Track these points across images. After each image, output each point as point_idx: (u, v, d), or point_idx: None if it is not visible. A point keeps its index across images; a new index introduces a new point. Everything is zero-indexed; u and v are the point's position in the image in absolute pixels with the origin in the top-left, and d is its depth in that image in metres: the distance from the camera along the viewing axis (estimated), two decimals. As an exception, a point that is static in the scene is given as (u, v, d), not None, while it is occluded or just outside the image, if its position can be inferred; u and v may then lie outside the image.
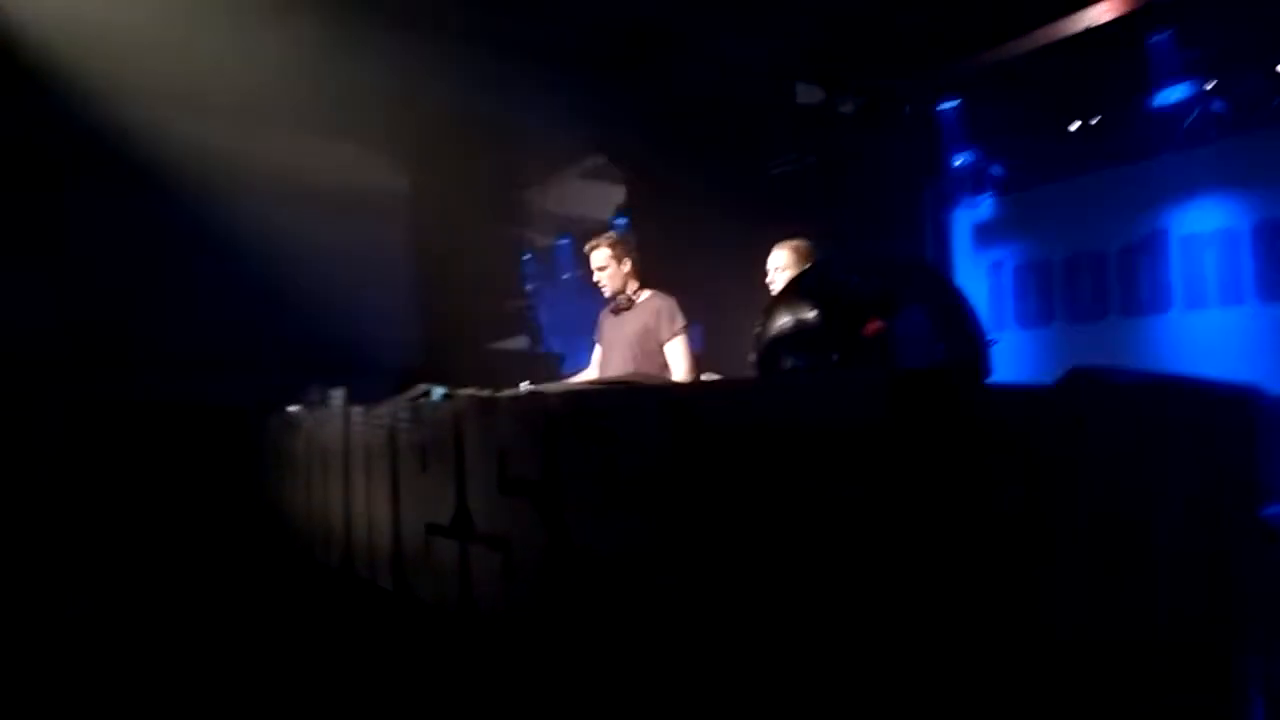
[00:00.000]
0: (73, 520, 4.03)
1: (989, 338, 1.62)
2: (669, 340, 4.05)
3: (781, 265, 3.70)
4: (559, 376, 6.41)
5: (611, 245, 4.15)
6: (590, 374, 4.28)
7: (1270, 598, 2.05)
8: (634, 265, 4.18)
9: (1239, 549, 1.86)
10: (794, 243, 3.76)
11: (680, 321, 4.08)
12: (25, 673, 3.21)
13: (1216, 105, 6.41)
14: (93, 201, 6.29)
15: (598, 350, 4.32)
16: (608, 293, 4.16)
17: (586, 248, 4.21)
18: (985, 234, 8.15)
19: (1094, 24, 6.46)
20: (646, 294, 4.16)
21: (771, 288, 3.67)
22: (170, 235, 6.60)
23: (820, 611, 1.48)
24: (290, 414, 3.77)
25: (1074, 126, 7.15)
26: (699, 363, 4.15)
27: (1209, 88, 6.37)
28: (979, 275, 8.04)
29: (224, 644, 3.36)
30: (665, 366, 4.07)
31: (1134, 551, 1.67)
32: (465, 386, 3.14)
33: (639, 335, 4.07)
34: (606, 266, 4.11)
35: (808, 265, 3.38)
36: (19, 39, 5.33)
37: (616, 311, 4.19)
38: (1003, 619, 1.43)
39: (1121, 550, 1.64)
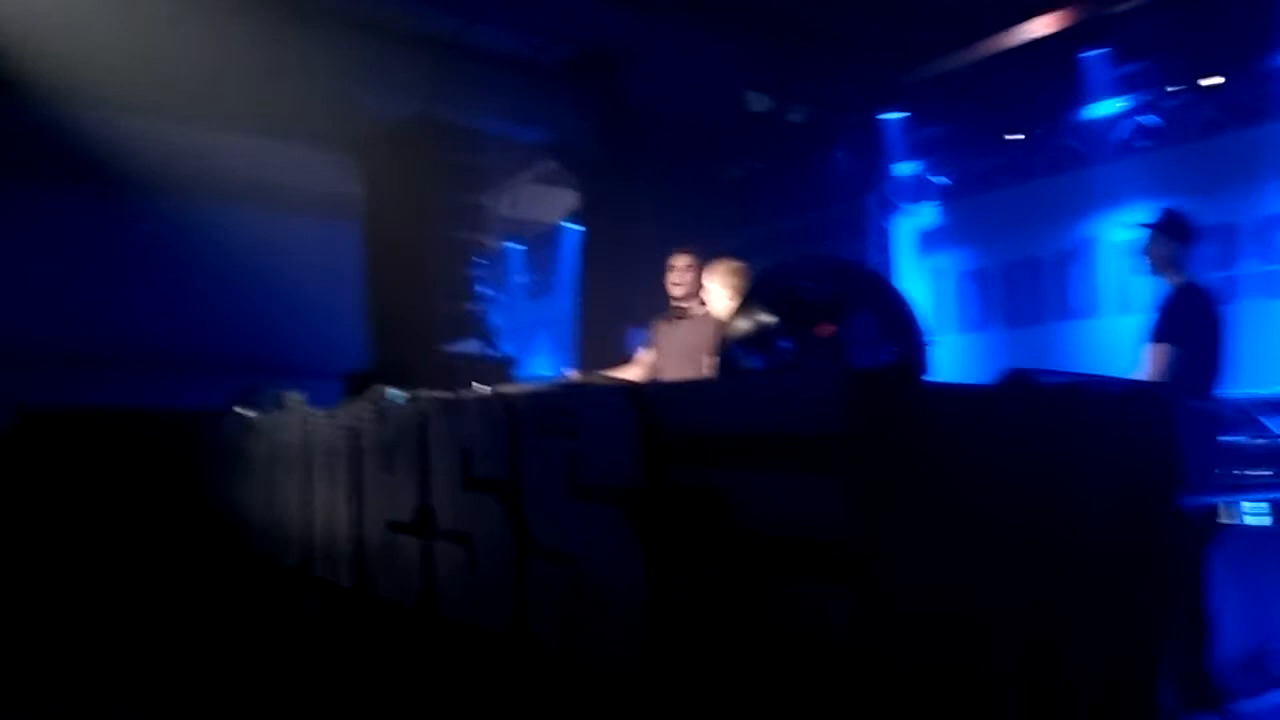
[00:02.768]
0: (29, 527, 3.96)
1: (929, 340, 1.73)
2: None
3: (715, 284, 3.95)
4: (509, 379, 6.45)
5: (701, 259, 4.33)
6: (637, 374, 4.43)
7: (1187, 584, 2.20)
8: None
9: (1160, 538, 2.00)
10: (732, 264, 3.98)
11: None
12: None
13: (1147, 119, 6.70)
14: (42, 203, 6.17)
15: (649, 354, 4.43)
16: (679, 292, 4.29)
17: (680, 249, 4.39)
18: (927, 241, 8.38)
19: (1031, 39, 6.71)
20: (705, 309, 4.29)
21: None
22: (121, 237, 6.50)
23: (773, 605, 1.57)
24: (245, 417, 3.77)
25: (1013, 138, 7.40)
26: None
27: (1140, 101, 6.66)
28: (921, 281, 8.27)
29: (179, 647, 3.35)
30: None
31: (1063, 541, 1.79)
32: (417, 389, 3.17)
33: (698, 346, 4.19)
34: (692, 269, 4.27)
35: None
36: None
37: (672, 321, 4.33)
38: (944, 607, 1.54)
39: (1051, 540, 1.77)
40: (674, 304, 4.34)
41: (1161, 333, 3.00)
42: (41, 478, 4.07)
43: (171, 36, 5.53)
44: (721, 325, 4.16)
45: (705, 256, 4.34)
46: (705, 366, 4.12)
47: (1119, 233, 6.84)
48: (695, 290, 4.28)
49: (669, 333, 4.35)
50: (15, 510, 4.15)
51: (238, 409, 3.99)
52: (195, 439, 4.05)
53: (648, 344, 4.44)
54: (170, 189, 6.13)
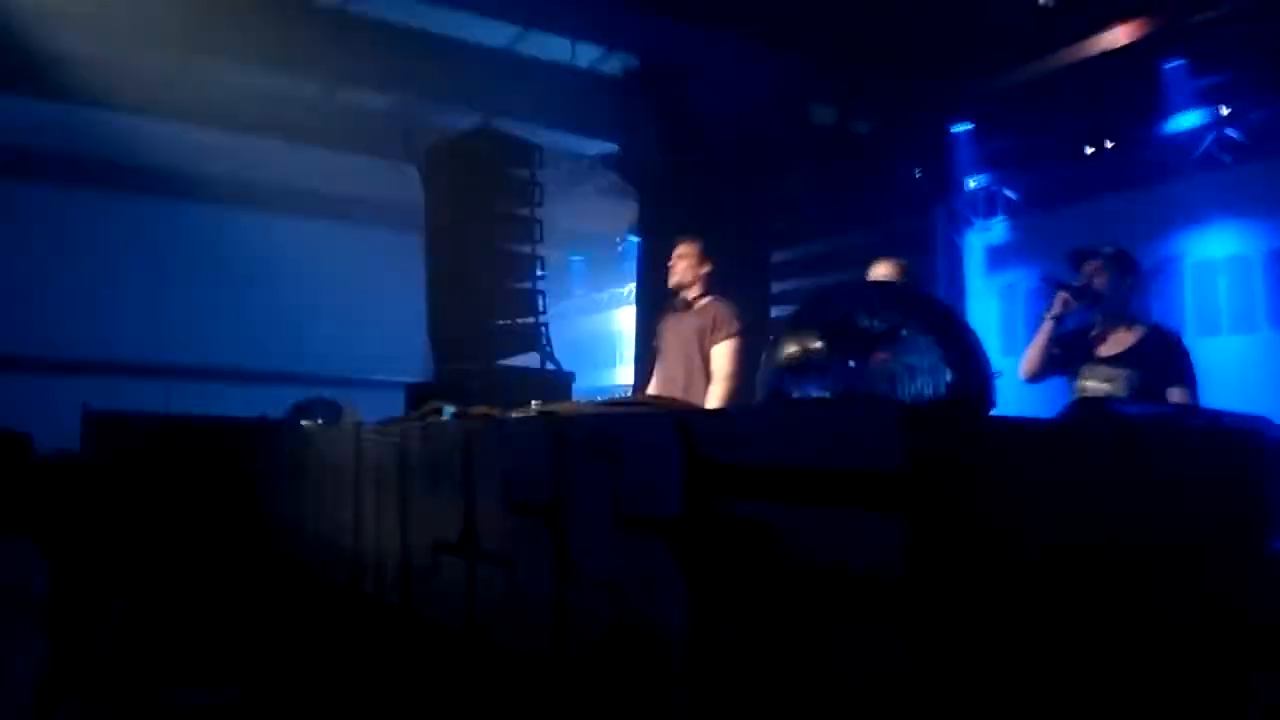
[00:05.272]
0: (85, 534, 4.05)
1: (993, 369, 1.63)
2: (717, 343, 4.09)
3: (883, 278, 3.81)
4: (570, 394, 6.43)
5: (700, 243, 4.27)
6: (651, 379, 4.39)
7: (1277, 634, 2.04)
8: (710, 273, 4.25)
9: (1248, 585, 1.85)
10: (898, 261, 3.87)
11: (734, 326, 4.11)
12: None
13: (1230, 132, 6.41)
14: (101, 209, 6.35)
15: (656, 347, 4.40)
16: (673, 281, 4.27)
17: (682, 237, 4.30)
18: (998, 257, 8.15)
19: (1109, 49, 6.47)
20: (708, 299, 4.24)
21: None
22: (182, 247, 6.66)
23: (828, 656, 1.48)
24: (302, 429, 3.80)
25: (1088, 151, 7.15)
26: (742, 372, 4.12)
27: (1223, 114, 6.37)
28: (991, 298, 8.03)
29: (230, 658, 3.38)
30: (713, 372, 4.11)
31: (1140, 590, 1.66)
32: (475, 403, 3.16)
33: (696, 336, 4.14)
34: (686, 257, 4.23)
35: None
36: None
37: (676, 312, 4.30)
38: (1009, 657, 1.43)
39: (1128, 589, 1.64)
40: (674, 293, 4.31)
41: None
42: (105, 483, 4.16)
43: (230, 42, 5.63)
44: (720, 315, 4.10)
45: (706, 245, 4.28)
46: (693, 358, 4.08)
47: (1199, 250, 6.56)
48: (689, 279, 4.22)
49: (673, 324, 4.34)
50: (84, 512, 4.26)
51: (295, 420, 4.03)
52: (252, 449, 4.09)
53: (656, 337, 4.41)
54: (236, 199, 6.27)
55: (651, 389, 4.32)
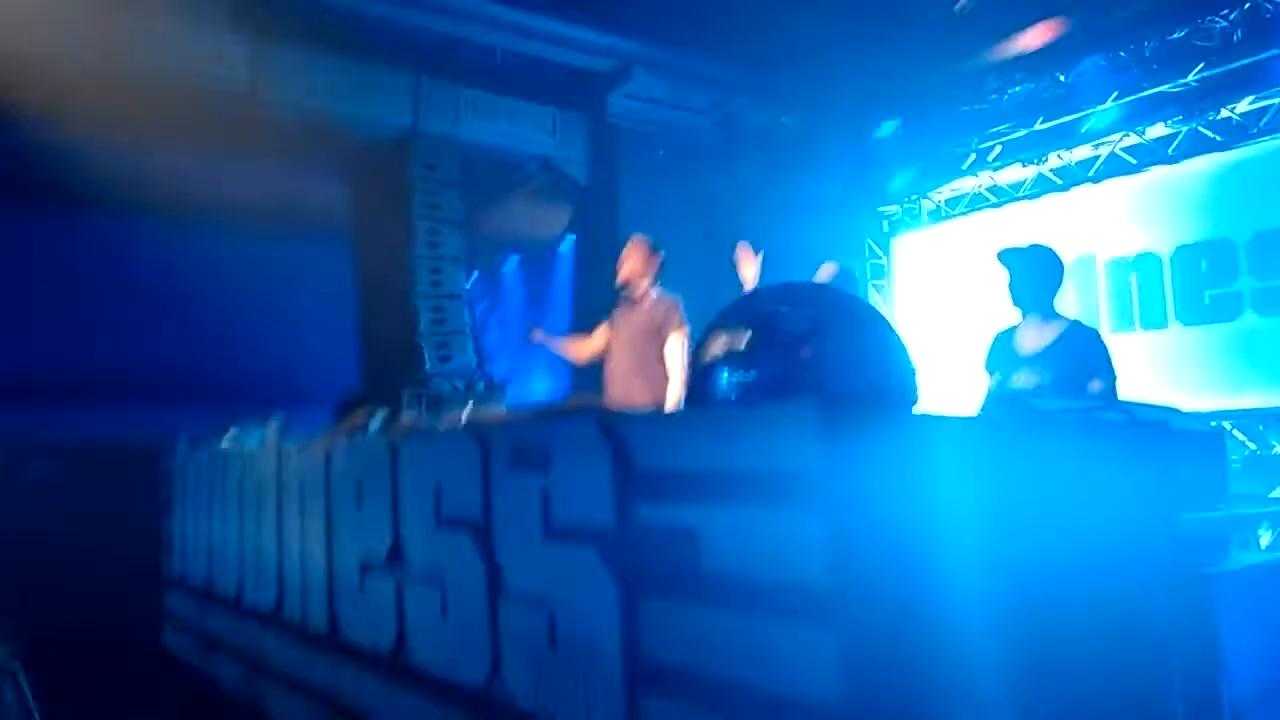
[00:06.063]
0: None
1: (914, 368, 1.63)
2: (670, 337, 4.22)
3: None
4: (501, 403, 6.35)
5: (648, 244, 4.39)
6: (590, 348, 4.55)
7: (1203, 614, 2.08)
8: (655, 271, 4.40)
9: (1171, 569, 1.88)
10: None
11: (681, 321, 4.24)
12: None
13: (1139, 133, 6.63)
14: (15, 227, 6.08)
15: (604, 335, 4.46)
16: (621, 277, 4.37)
17: (632, 235, 4.48)
18: (924, 257, 8.30)
19: (1026, 50, 6.65)
20: (654, 295, 4.31)
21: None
22: (99, 260, 6.39)
23: (757, 661, 1.46)
24: (221, 448, 3.66)
25: (1010, 150, 7.34)
26: None
27: (1131, 116, 6.58)
28: (918, 298, 8.17)
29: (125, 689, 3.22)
30: (665, 361, 4.24)
31: (1062, 578, 1.68)
32: (400, 414, 3.08)
33: (643, 330, 4.28)
34: (635, 253, 4.33)
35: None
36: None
37: (625, 307, 4.39)
38: (932, 654, 1.42)
39: (1049, 578, 1.65)
40: (622, 288, 4.43)
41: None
42: (15, 514, 3.97)
43: (153, 55, 5.46)
44: (667, 311, 4.23)
45: (657, 248, 4.41)
46: (639, 352, 4.21)
47: (1114, 249, 6.77)
48: (637, 275, 4.36)
49: (622, 319, 4.45)
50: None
51: (218, 439, 3.89)
52: (166, 470, 3.94)
53: (610, 324, 4.51)
54: (155, 211, 6.03)
55: (605, 383, 4.39)
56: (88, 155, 5.35)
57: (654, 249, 4.42)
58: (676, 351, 4.20)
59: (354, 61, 6.58)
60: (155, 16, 5.46)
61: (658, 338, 4.23)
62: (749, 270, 4.00)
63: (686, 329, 4.21)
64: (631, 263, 4.36)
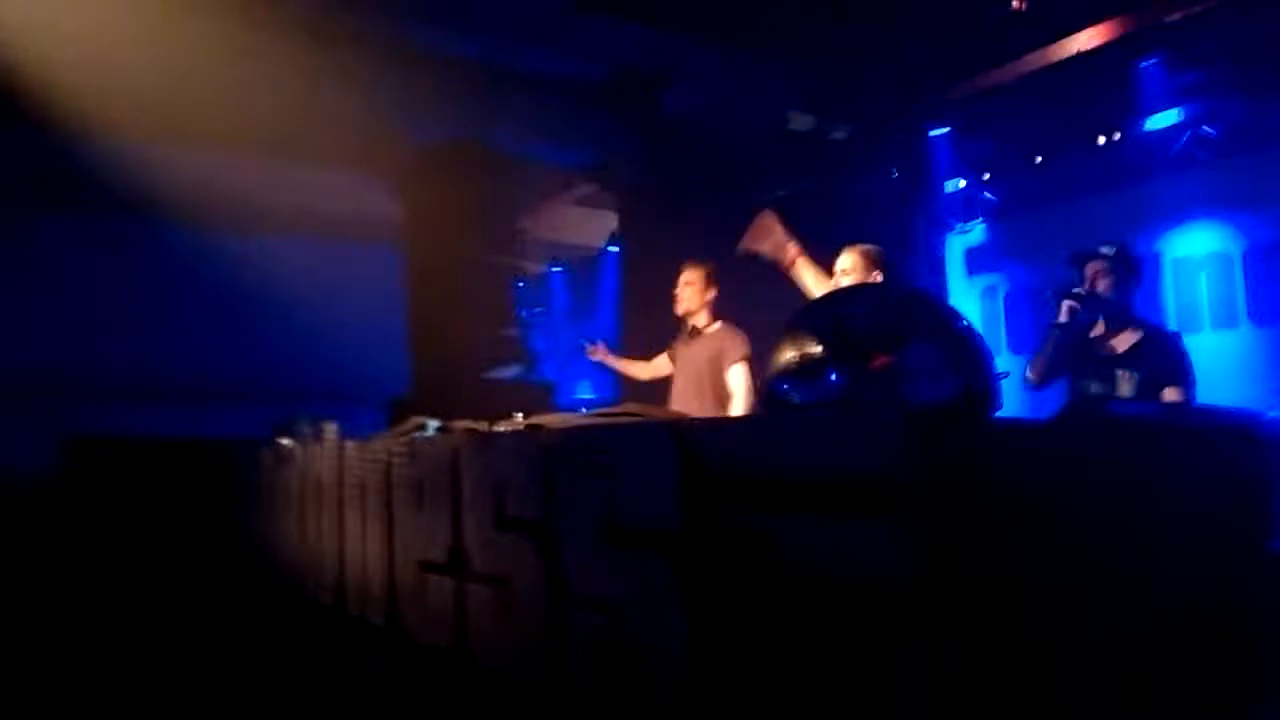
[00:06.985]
0: (62, 559, 3.95)
1: (999, 371, 1.59)
2: (729, 367, 4.15)
3: (848, 269, 3.50)
4: (551, 405, 6.37)
5: (706, 269, 4.23)
6: (645, 370, 4.58)
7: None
8: (714, 299, 4.31)
9: (1249, 584, 1.82)
10: (862, 247, 3.56)
11: (744, 350, 4.17)
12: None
13: (1206, 130, 6.45)
14: (79, 232, 6.25)
15: (665, 362, 4.47)
16: (679, 309, 4.32)
17: (688, 264, 4.33)
18: (977, 259, 8.17)
19: (1083, 50, 6.51)
20: (717, 325, 4.27)
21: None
22: (158, 266, 6.55)
23: (835, 670, 1.43)
24: (281, 448, 3.72)
25: (1066, 151, 7.18)
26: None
27: (1198, 113, 6.42)
28: (971, 301, 8.04)
29: (212, 683, 3.29)
30: (729, 394, 4.17)
31: (1141, 591, 1.63)
32: (458, 417, 3.10)
33: (709, 363, 4.21)
34: (692, 284, 4.28)
35: (876, 271, 3.29)
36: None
37: (686, 338, 4.33)
38: (1014, 664, 1.39)
39: (1128, 591, 1.60)
40: (684, 322, 4.37)
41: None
42: (83, 505, 4.07)
43: (206, 64, 5.58)
44: (729, 341, 4.16)
45: (714, 271, 4.33)
46: (706, 385, 4.14)
47: (1179, 248, 6.60)
48: (695, 306, 4.28)
49: (683, 352, 4.40)
50: (59, 538, 4.16)
51: (275, 438, 3.95)
52: (230, 469, 4.01)
53: (670, 353, 4.47)
54: (208, 217, 6.17)
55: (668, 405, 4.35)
56: (164, 168, 5.49)
57: (710, 278, 4.34)
58: (740, 379, 4.15)
59: (405, 67, 6.67)
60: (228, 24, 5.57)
61: (719, 367, 4.19)
62: (806, 275, 3.65)
63: (749, 359, 4.14)
64: (691, 293, 4.29)
